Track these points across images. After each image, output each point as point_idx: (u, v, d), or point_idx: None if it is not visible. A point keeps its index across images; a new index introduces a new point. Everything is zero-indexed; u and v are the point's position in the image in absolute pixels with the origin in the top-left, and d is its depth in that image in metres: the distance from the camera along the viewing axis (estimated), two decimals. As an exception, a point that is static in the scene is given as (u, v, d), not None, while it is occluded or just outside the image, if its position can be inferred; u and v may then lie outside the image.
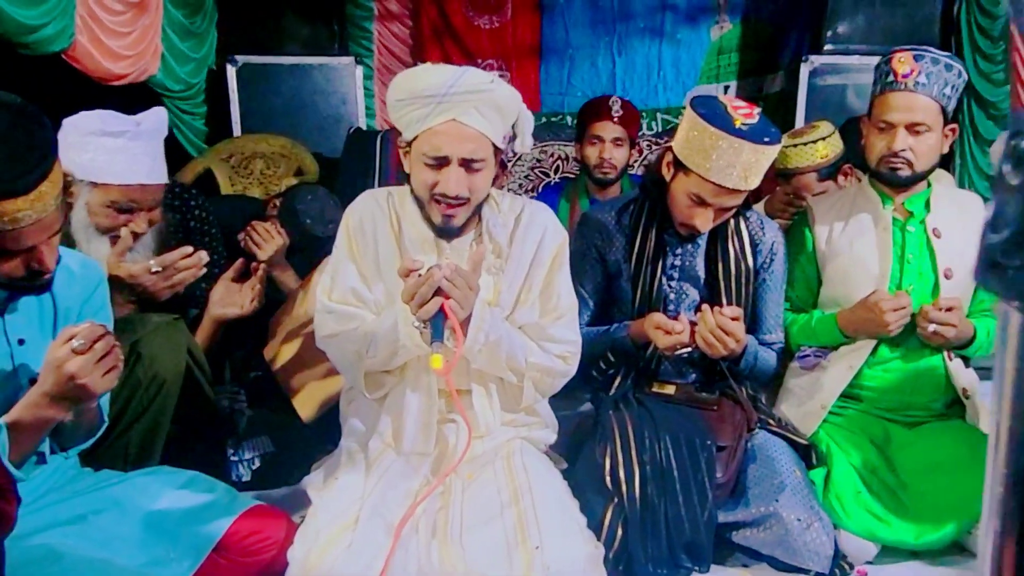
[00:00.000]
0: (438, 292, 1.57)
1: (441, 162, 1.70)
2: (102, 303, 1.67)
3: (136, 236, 1.99)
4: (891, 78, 2.04)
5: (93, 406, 1.54)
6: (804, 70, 4.21)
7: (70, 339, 1.36)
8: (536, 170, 3.99)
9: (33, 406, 1.39)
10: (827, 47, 4.25)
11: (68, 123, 1.92)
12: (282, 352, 2.33)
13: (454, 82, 1.65)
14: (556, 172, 3.97)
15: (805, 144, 2.60)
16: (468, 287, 1.61)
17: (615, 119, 2.91)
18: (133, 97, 3.61)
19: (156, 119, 2.00)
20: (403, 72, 1.75)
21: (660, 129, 4.76)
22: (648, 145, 4.04)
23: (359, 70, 4.40)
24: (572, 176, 3.88)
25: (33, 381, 1.46)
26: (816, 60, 4.19)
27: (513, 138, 1.82)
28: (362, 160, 3.80)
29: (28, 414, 1.40)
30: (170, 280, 1.93)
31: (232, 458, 2.13)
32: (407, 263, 1.62)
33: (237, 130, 4.16)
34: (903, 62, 2.02)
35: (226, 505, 1.65)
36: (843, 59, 4.20)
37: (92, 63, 3.34)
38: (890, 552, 1.91)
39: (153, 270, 1.90)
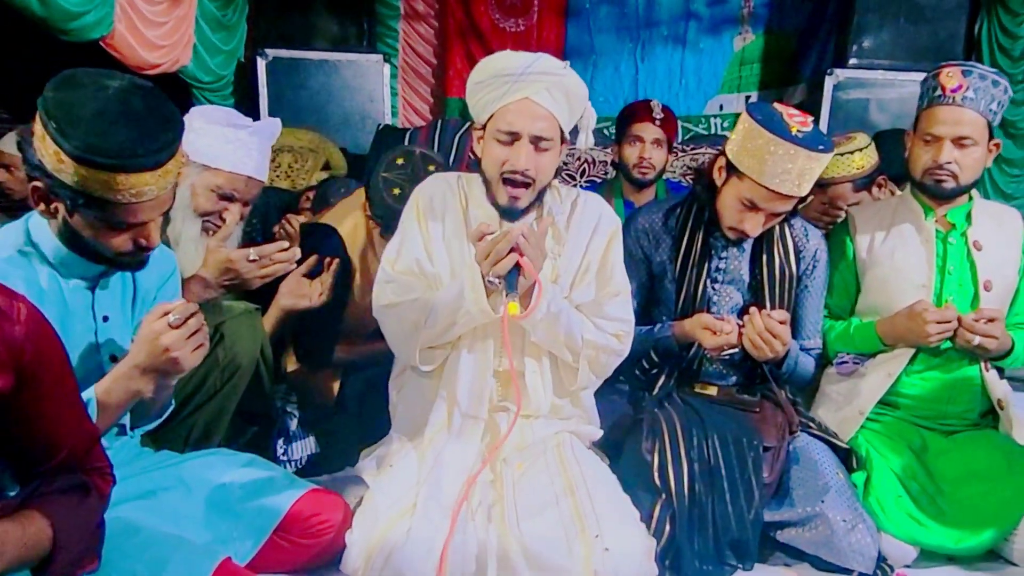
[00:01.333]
0: (512, 250, 1.66)
1: (513, 137, 1.80)
2: (175, 289, 1.73)
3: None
4: (938, 92, 2.08)
5: (172, 383, 1.58)
6: (828, 83, 4.25)
7: (165, 314, 1.42)
8: (563, 172, 4.02)
9: (124, 378, 1.45)
10: (852, 61, 4.30)
11: (196, 111, 2.03)
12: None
13: (529, 64, 1.78)
14: (582, 176, 4.00)
15: (842, 155, 2.64)
16: (539, 249, 1.71)
17: (656, 121, 2.96)
18: (164, 87, 3.64)
19: (272, 126, 2.12)
20: (484, 59, 1.87)
21: (681, 138, 4.80)
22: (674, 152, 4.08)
23: (387, 68, 4.44)
24: (598, 180, 3.90)
25: (113, 358, 1.52)
26: (841, 74, 4.24)
27: (576, 133, 1.90)
28: (390, 156, 3.83)
29: (118, 386, 1.45)
30: (264, 270, 1.99)
31: (281, 457, 2.16)
32: (480, 227, 1.71)
33: (265, 124, 4.18)
34: (951, 77, 2.06)
35: (287, 486, 1.69)
36: (867, 74, 4.26)
37: (129, 51, 3.37)
38: (928, 556, 1.94)
39: (251, 258, 1.96)
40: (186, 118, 1.99)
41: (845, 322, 2.26)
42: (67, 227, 1.44)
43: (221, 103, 4.17)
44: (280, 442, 2.17)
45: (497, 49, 4.87)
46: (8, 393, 1.09)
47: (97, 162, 1.33)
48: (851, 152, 2.66)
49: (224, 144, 1.98)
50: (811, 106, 4.33)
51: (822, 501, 1.86)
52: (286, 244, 2.04)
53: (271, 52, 4.26)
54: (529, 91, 1.79)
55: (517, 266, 1.66)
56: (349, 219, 2.47)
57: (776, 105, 2.01)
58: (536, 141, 1.80)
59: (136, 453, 1.68)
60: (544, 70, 1.79)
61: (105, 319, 1.55)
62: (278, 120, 2.16)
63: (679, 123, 3.11)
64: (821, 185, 2.71)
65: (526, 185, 1.82)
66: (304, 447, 2.20)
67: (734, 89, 4.79)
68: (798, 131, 1.89)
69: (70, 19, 2.98)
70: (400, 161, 2.34)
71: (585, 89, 1.87)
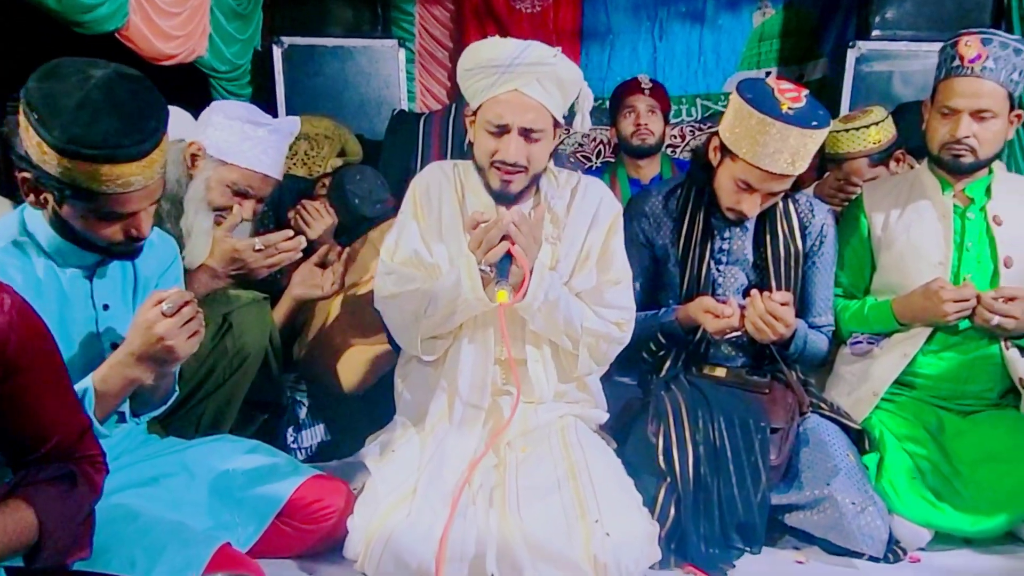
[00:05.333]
0: (504, 238, 1.66)
1: (502, 130, 1.78)
2: (176, 276, 1.74)
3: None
4: (956, 62, 2.01)
5: (172, 371, 1.59)
6: (851, 56, 4.14)
7: (159, 303, 1.43)
8: (578, 154, 3.98)
9: (120, 365, 1.45)
10: (875, 33, 4.18)
11: (217, 106, 2.06)
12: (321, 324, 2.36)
13: (518, 54, 1.74)
14: (598, 157, 3.96)
15: (857, 129, 2.58)
16: (532, 237, 1.70)
17: (646, 92, 3.09)
18: (180, 78, 3.67)
19: (291, 124, 2.15)
20: (472, 44, 1.83)
21: (700, 115, 4.73)
22: (691, 131, 4.02)
23: (402, 53, 4.41)
24: (613, 161, 3.87)
25: (114, 346, 1.52)
26: (863, 46, 4.12)
27: (572, 116, 1.87)
28: (405, 142, 3.82)
29: (115, 373, 1.46)
30: (270, 259, 2.00)
31: (291, 446, 2.18)
32: (474, 215, 1.71)
33: (282, 111, 4.18)
34: (970, 46, 1.99)
35: (289, 472, 1.71)
36: (891, 45, 4.13)
37: (144, 43, 3.38)
38: (943, 539, 1.90)
39: (256, 248, 1.97)
40: (206, 112, 2.05)
41: (859, 301, 2.21)
42: (57, 217, 1.44)
43: (238, 92, 4.18)
44: (290, 430, 2.20)
45: (514, 31, 4.88)
46: None
47: (81, 153, 1.32)
48: (866, 126, 2.59)
49: (242, 141, 1.99)
50: (833, 80, 4.24)
51: (830, 484, 1.83)
52: (291, 233, 2.04)
53: (287, 40, 4.25)
54: (518, 82, 1.76)
55: (509, 254, 1.66)
56: None
57: (769, 80, 1.96)
58: (526, 133, 1.78)
59: (143, 440, 1.70)
60: (534, 60, 1.75)
61: (105, 307, 1.56)
62: (297, 119, 2.18)
63: (668, 95, 3.23)
64: (836, 160, 2.66)
65: (518, 171, 1.81)
66: (313, 435, 2.22)
67: (754, 66, 4.69)
68: (789, 108, 1.84)
69: (84, 11, 2.99)
70: (359, 177, 2.53)
71: (578, 72, 1.84)
